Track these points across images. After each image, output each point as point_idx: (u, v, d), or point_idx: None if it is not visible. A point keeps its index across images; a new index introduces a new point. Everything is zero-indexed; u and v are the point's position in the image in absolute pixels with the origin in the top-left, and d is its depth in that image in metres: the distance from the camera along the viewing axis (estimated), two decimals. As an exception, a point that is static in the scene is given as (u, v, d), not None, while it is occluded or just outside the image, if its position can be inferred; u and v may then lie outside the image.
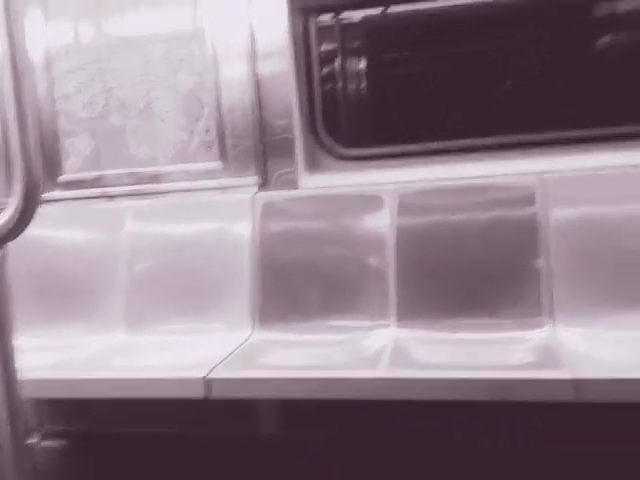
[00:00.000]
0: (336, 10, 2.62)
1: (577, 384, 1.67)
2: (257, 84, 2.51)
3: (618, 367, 1.79)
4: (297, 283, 2.32)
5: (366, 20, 2.66)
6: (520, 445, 1.83)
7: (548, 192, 2.21)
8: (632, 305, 2.06)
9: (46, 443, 2.23)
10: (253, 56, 2.50)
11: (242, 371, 1.89)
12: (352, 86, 2.74)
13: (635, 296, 2.06)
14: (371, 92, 2.74)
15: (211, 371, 1.87)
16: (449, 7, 2.53)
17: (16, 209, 1.09)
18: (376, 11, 2.62)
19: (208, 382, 1.83)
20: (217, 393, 1.83)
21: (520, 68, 2.57)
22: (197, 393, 1.83)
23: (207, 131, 2.57)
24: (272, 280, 2.33)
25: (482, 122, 2.56)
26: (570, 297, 2.11)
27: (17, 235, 1.12)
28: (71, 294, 2.46)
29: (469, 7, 2.51)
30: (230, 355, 2.03)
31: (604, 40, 2.52)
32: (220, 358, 1.98)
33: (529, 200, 2.22)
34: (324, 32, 2.63)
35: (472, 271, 2.23)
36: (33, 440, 2.18)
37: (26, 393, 1.20)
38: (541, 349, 1.98)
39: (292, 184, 2.51)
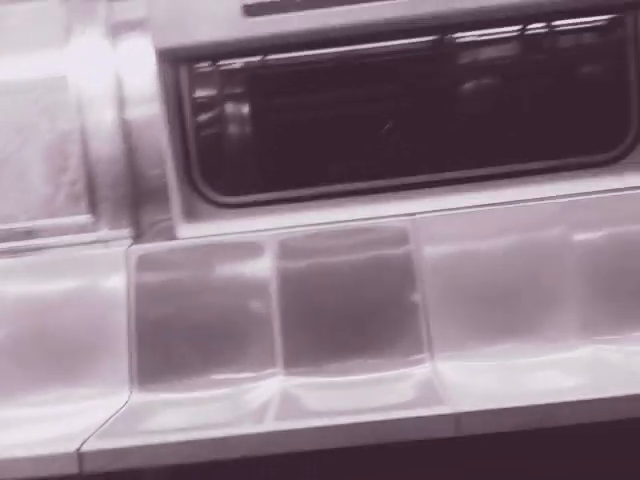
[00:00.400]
0: (205, 60, 2.60)
1: (457, 418, 1.72)
2: (127, 133, 2.44)
3: (493, 397, 1.86)
4: (177, 338, 2.23)
5: (242, 67, 2.67)
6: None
7: (420, 231, 2.30)
8: (501, 335, 2.17)
9: None
10: (121, 104, 2.43)
11: (117, 440, 1.77)
12: (229, 133, 2.73)
13: (504, 326, 2.18)
14: (248, 140, 2.73)
15: (84, 443, 1.73)
16: (323, 56, 2.59)
17: None
18: (252, 59, 2.64)
19: (80, 456, 1.70)
20: (91, 467, 1.70)
21: (391, 116, 2.68)
22: (70, 469, 1.69)
23: (75, 183, 2.45)
24: (150, 337, 2.23)
25: (356, 168, 2.63)
26: (446, 331, 2.19)
27: None
28: None
29: (342, 57, 2.58)
30: (106, 423, 1.91)
31: (464, 88, 2.69)
32: (95, 427, 1.85)
33: (403, 240, 2.29)
34: (199, 79, 2.61)
35: (355, 312, 2.25)
36: None
37: None
38: (423, 385, 2.03)
39: (169, 234, 2.44)
